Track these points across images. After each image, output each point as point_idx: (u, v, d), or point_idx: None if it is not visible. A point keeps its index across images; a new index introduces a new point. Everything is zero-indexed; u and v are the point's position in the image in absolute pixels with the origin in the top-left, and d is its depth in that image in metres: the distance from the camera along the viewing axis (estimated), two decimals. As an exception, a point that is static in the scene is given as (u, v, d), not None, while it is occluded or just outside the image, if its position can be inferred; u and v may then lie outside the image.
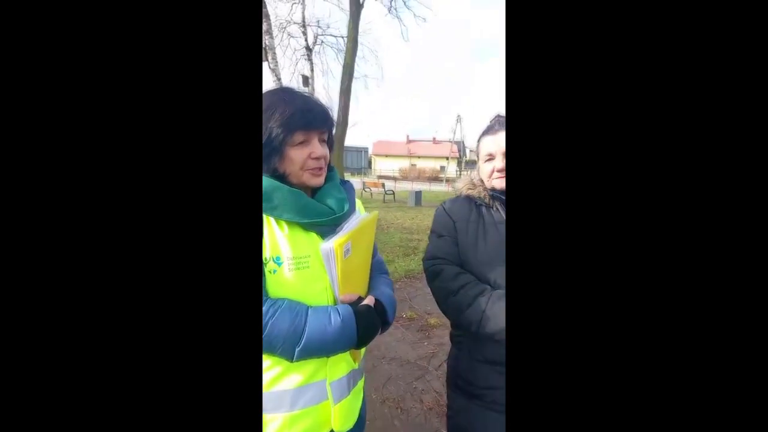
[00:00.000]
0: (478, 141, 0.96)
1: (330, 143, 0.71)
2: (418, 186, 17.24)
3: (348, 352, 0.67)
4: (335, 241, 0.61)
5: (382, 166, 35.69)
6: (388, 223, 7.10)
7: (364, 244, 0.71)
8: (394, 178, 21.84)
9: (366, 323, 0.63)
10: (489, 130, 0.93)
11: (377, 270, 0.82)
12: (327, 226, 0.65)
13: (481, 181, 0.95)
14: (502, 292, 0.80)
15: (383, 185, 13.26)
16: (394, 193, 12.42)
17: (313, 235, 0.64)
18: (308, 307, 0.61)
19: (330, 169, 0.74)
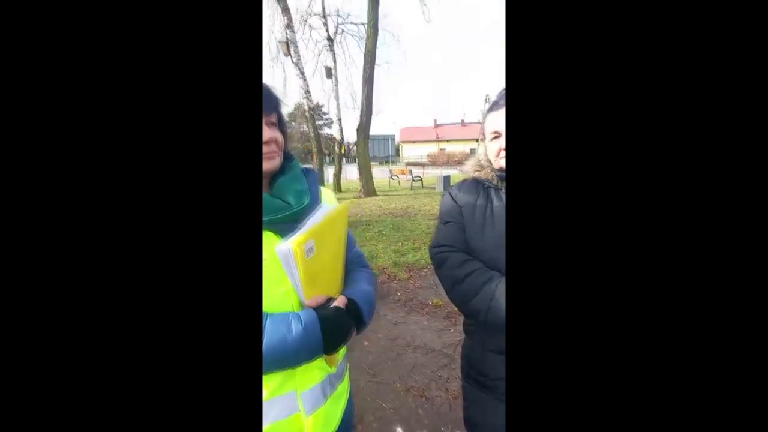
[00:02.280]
0: (484, 118, 0.89)
1: (282, 127, 0.64)
2: (447, 171, 16.90)
3: (321, 358, 0.61)
4: (293, 241, 0.54)
5: (409, 152, 35.30)
6: (415, 210, 7.03)
7: (333, 239, 0.64)
8: (423, 164, 21.54)
9: (334, 328, 0.57)
10: (495, 106, 0.85)
11: (356, 264, 0.76)
12: (285, 223, 0.58)
13: (489, 161, 0.88)
14: (509, 279, 0.75)
15: (410, 172, 13.14)
16: (422, 180, 12.27)
17: (271, 235, 0.57)
18: (267, 315, 0.54)
19: (289, 158, 0.67)
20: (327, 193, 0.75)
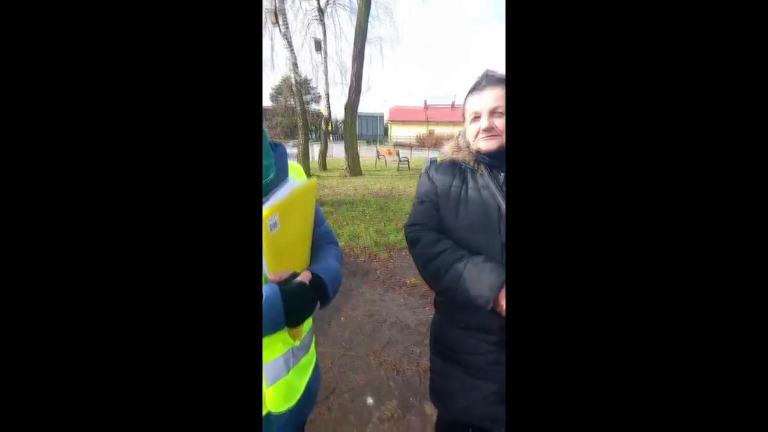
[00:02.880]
0: (465, 100, 0.89)
1: None
2: (435, 153, 16.88)
3: (284, 330, 0.62)
4: None
5: (399, 133, 34.93)
6: (399, 191, 7.05)
7: (300, 214, 0.65)
8: (411, 146, 21.40)
9: (296, 302, 0.59)
10: (476, 87, 0.86)
11: (324, 240, 0.77)
12: None
13: (468, 143, 0.89)
14: (480, 258, 0.77)
15: (397, 153, 13.05)
16: (408, 161, 12.22)
17: None
18: None
19: None
20: (295, 169, 0.75)
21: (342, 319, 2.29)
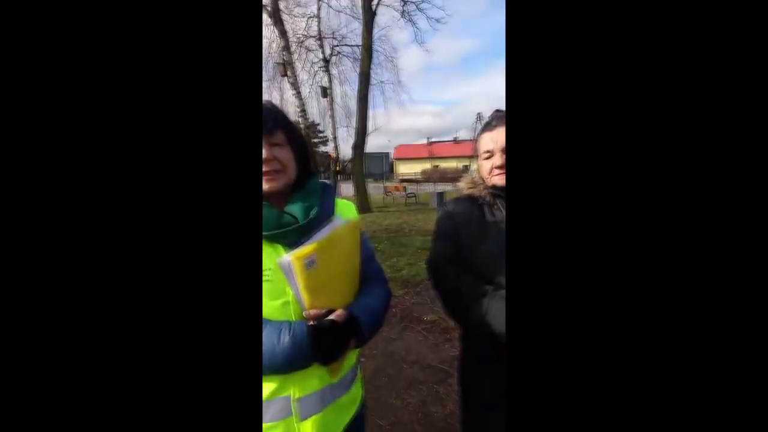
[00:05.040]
0: (477, 138, 0.95)
1: (294, 145, 0.67)
2: (441, 187, 17.06)
3: (319, 366, 0.63)
4: (293, 254, 0.58)
5: (404, 169, 35.64)
6: (410, 226, 7.07)
7: (341, 252, 0.66)
8: (417, 181, 21.73)
9: (324, 340, 0.59)
10: (487, 127, 0.91)
11: (372, 279, 0.76)
12: (291, 237, 0.62)
13: (482, 179, 0.94)
14: (503, 292, 0.78)
15: (405, 188, 13.23)
16: (416, 196, 12.36)
17: (279, 247, 0.62)
18: (266, 321, 0.59)
19: (309, 175, 0.71)
20: (345, 207, 0.77)
21: (362, 360, 2.24)
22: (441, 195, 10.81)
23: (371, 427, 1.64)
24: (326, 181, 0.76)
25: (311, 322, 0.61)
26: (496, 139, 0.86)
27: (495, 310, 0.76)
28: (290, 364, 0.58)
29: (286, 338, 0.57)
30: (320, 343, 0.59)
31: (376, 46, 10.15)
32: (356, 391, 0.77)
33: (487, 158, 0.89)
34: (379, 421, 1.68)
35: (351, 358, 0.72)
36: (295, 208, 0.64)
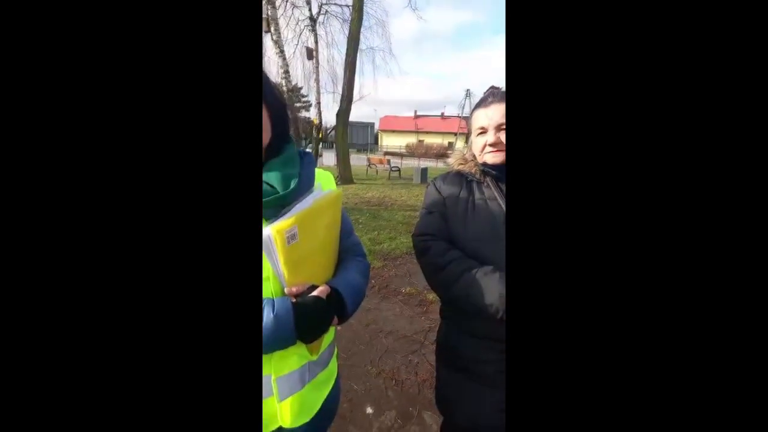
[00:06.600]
0: (471, 114, 0.93)
1: (274, 109, 0.60)
2: (425, 163, 17.03)
3: (300, 344, 0.59)
4: (273, 227, 0.52)
5: (389, 142, 35.18)
6: (392, 200, 7.08)
7: (322, 225, 0.62)
8: (401, 155, 21.56)
9: (309, 317, 0.56)
10: (482, 103, 0.89)
11: (351, 253, 0.74)
12: (270, 208, 0.56)
13: (473, 156, 0.92)
14: (489, 267, 0.79)
15: (388, 162, 13.13)
16: (399, 170, 12.31)
17: None
18: None
19: (285, 141, 0.64)
20: (324, 177, 0.72)
21: (338, 328, 2.28)
22: (425, 171, 10.82)
23: (346, 392, 1.69)
24: (306, 149, 0.70)
25: (294, 299, 0.57)
26: (491, 115, 0.84)
27: (479, 286, 0.77)
28: (274, 343, 0.55)
29: (269, 315, 0.54)
30: (305, 320, 0.56)
31: (368, 7, 9.66)
32: (333, 366, 0.76)
33: (480, 134, 0.88)
34: (354, 385, 1.74)
35: (330, 334, 0.71)
36: (272, 177, 0.58)
